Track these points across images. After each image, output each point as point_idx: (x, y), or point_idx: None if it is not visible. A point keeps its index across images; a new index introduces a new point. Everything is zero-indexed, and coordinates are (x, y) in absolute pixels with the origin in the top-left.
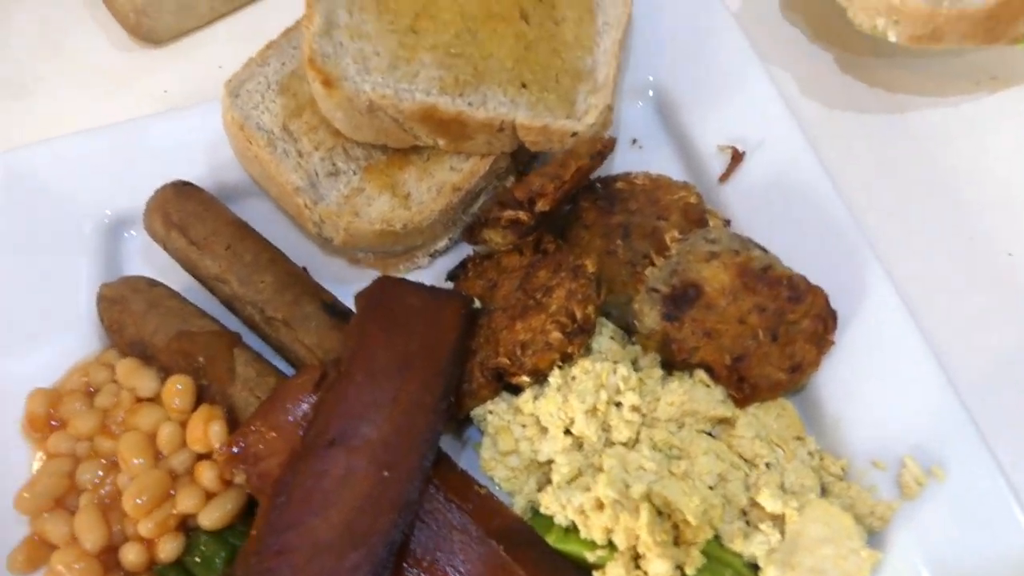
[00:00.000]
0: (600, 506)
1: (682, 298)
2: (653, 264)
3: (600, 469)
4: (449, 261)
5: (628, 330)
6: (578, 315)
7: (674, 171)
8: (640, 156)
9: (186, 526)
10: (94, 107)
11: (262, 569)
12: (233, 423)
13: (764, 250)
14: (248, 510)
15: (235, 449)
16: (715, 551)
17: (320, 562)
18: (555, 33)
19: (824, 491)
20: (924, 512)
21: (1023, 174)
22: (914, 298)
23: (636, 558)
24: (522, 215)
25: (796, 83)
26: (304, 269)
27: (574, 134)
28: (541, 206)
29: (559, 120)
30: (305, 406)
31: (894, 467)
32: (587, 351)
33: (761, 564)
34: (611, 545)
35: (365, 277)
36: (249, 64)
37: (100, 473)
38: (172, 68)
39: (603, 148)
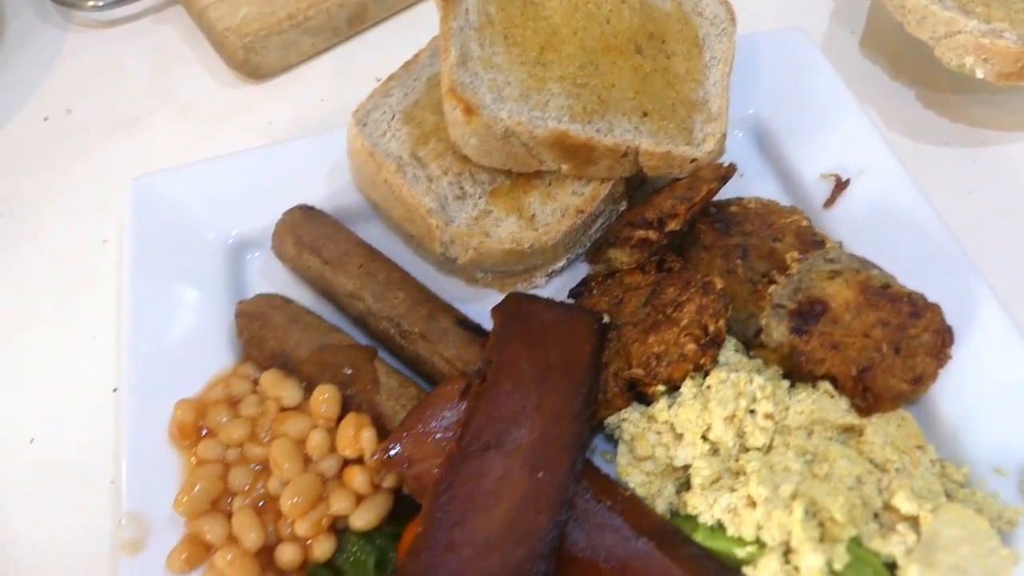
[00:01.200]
0: (752, 504)
1: (809, 313)
2: (773, 282)
3: (737, 473)
4: (564, 281)
5: (747, 345)
6: (710, 328)
7: (775, 197)
8: (742, 184)
9: (335, 528)
10: (203, 140)
11: (433, 564)
12: (380, 431)
13: (881, 269)
14: (393, 514)
15: (392, 451)
16: (855, 550)
17: (488, 558)
18: (667, 66)
19: (949, 497)
20: None
21: None
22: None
23: (786, 553)
24: (652, 234)
25: (880, 118)
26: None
27: (693, 160)
28: (672, 226)
29: (680, 147)
30: (451, 413)
31: (1015, 474)
32: (714, 363)
33: (900, 563)
34: (758, 542)
35: (483, 296)
36: (374, 95)
37: (250, 479)
38: (276, 102)
39: (726, 172)
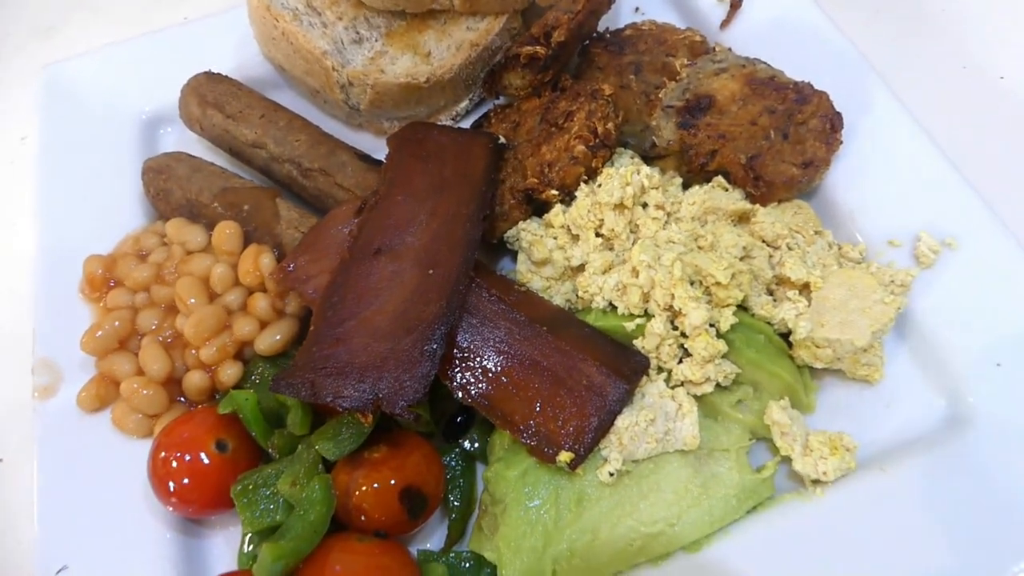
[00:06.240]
0: (636, 274)
1: (695, 107)
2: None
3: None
4: (469, 123)
5: (645, 157)
6: (599, 130)
7: None
8: (641, 19)
9: (243, 357)
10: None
11: (323, 356)
12: (281, 259)
13: (768, 64)
14: (299, 339)
15: (289, 267)
16: (747, 320)
17: (377, 346)
18: None
19: None
20: (941, 278)
21: (1008, 4)
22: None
23: (672, 319)
24: (539, 50)
25: None
26: None
27: None
28: (557, 36)
29: None
30: (347, 230)
31: (909, 245)
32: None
33: (791, 326)
34: (646, 315)
35: None
36: None
37: (157, 318)
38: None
39: None
